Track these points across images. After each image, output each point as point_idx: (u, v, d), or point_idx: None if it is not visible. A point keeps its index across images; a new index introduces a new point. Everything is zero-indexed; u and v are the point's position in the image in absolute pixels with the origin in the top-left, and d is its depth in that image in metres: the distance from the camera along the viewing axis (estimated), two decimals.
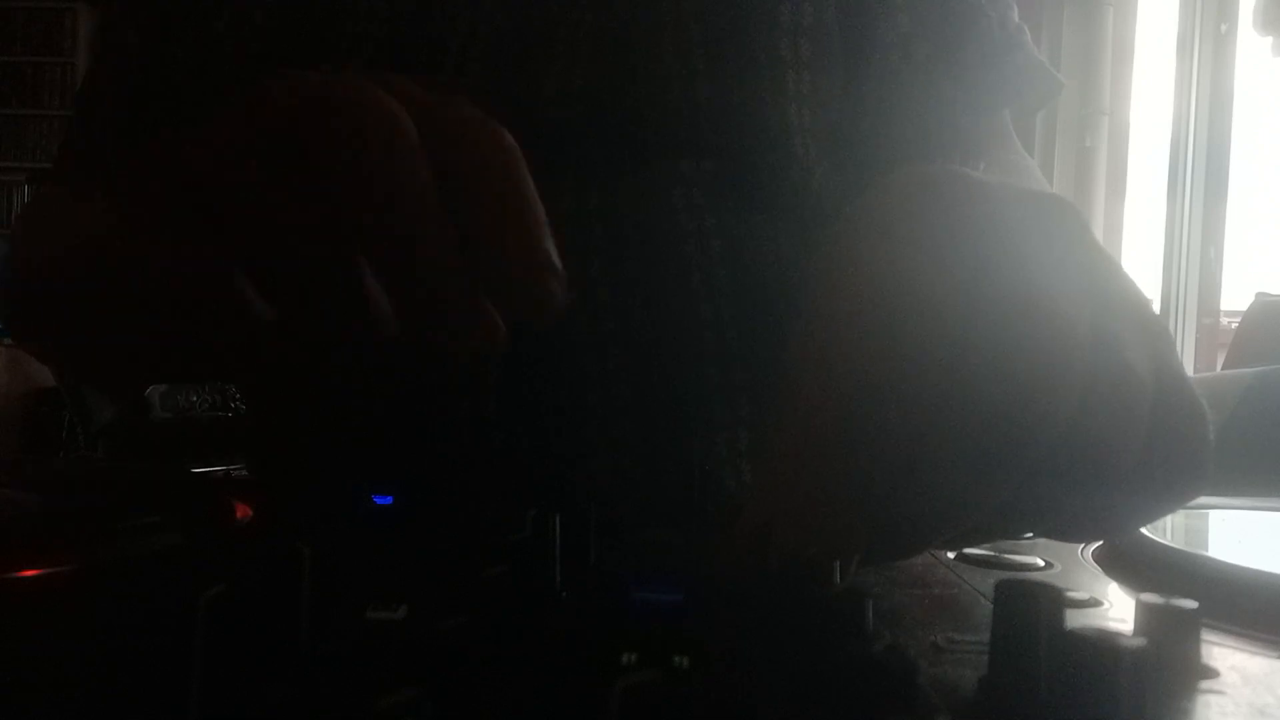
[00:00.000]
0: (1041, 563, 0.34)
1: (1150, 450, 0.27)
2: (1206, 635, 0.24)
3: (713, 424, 0.56)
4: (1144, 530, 0.35)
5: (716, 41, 0.57)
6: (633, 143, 0.56)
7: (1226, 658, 0.24)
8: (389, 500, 0.36)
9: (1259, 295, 2.66)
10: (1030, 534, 0.33)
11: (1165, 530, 0.36)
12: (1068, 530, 0.30)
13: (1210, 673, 0.23)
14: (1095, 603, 0.29)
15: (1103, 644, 0.18)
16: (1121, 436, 0.26)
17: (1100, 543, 0.38)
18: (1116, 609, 0.29)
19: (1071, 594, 0.29)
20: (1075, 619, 0.20)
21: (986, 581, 0.31)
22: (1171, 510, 0.31)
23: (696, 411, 0.56)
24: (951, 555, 0.35)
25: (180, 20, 0.60)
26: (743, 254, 0.57)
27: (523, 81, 0.56)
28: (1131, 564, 0.34)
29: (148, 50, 0.60)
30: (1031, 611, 0.20)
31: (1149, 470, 0.28)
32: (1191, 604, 0.23)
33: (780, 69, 0.59)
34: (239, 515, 0.38)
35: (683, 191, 0.57)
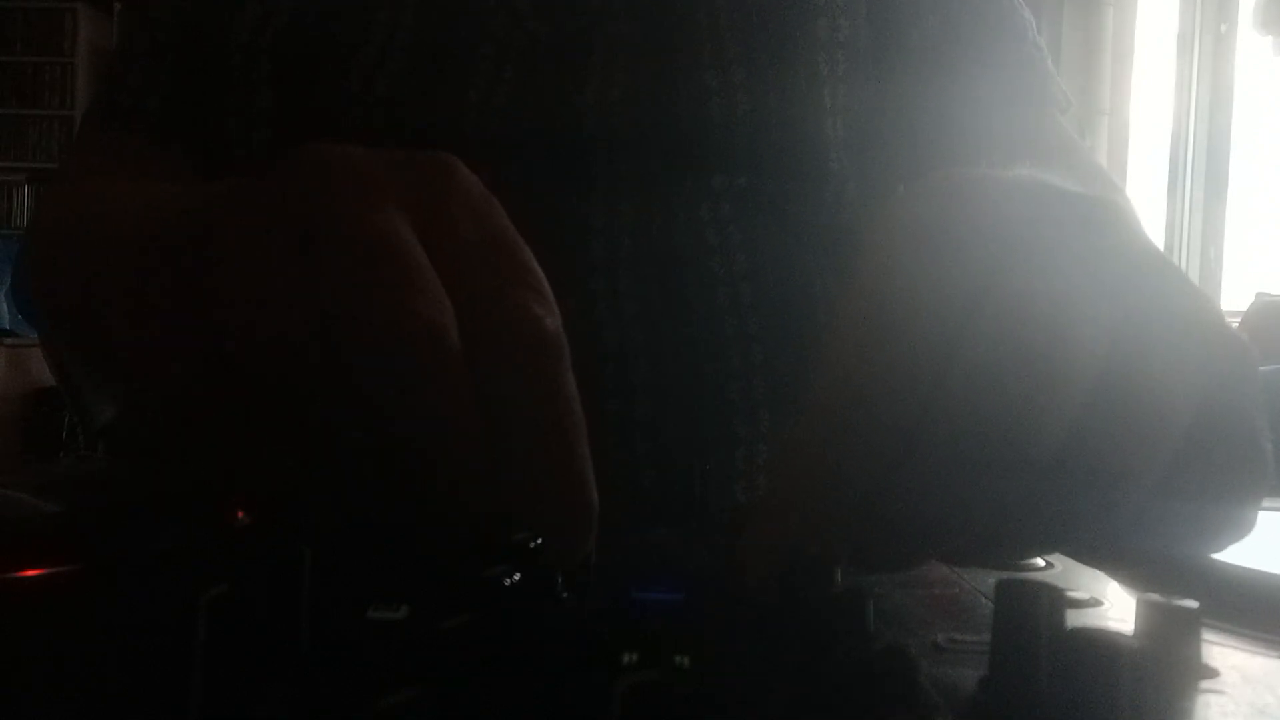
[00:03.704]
0: (1042, 562, 0.34)
1: (1179, 475, 0.26)
2: (1206, 635, 0.24)
3: (732, 439, 0.56)
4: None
5: (755, 57, 0.57)
6: (668, 156, 0.56)
7: (1226, 658, 0.24)
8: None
9: (1259, 295, 2.66)
10: (1050, 550, 0.32)
11: None
12: (1092, 552, 0.29)
13: (1210, 672, 0.23)
14: (1095, 602, 0.29)
15: (1103, 644, 0.18)
16: (1133, 453, 0.25)
17: None
18: (1116, 609, 0.29)
19: (1072, 594, 0.29)
20: (1076, 619, 0.20)
21: (987, 581, 0.31)
22: (1212, 545, 0.30)
23: (715, 426, 0.56)
24: None
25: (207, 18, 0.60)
26: (768, 269, 0.57)
27: (559, 91, 0.55)
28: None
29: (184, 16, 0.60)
30: (1032, 611, 0.20)
31: (1178, 495, 0.26)
32: (1191, 604, 0.23)
33: (818, 84, 0.59)
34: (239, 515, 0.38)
35: (710, 206, 0.57)
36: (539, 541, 0.25)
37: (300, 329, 0.27)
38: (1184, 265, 3.25)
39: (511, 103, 0.55)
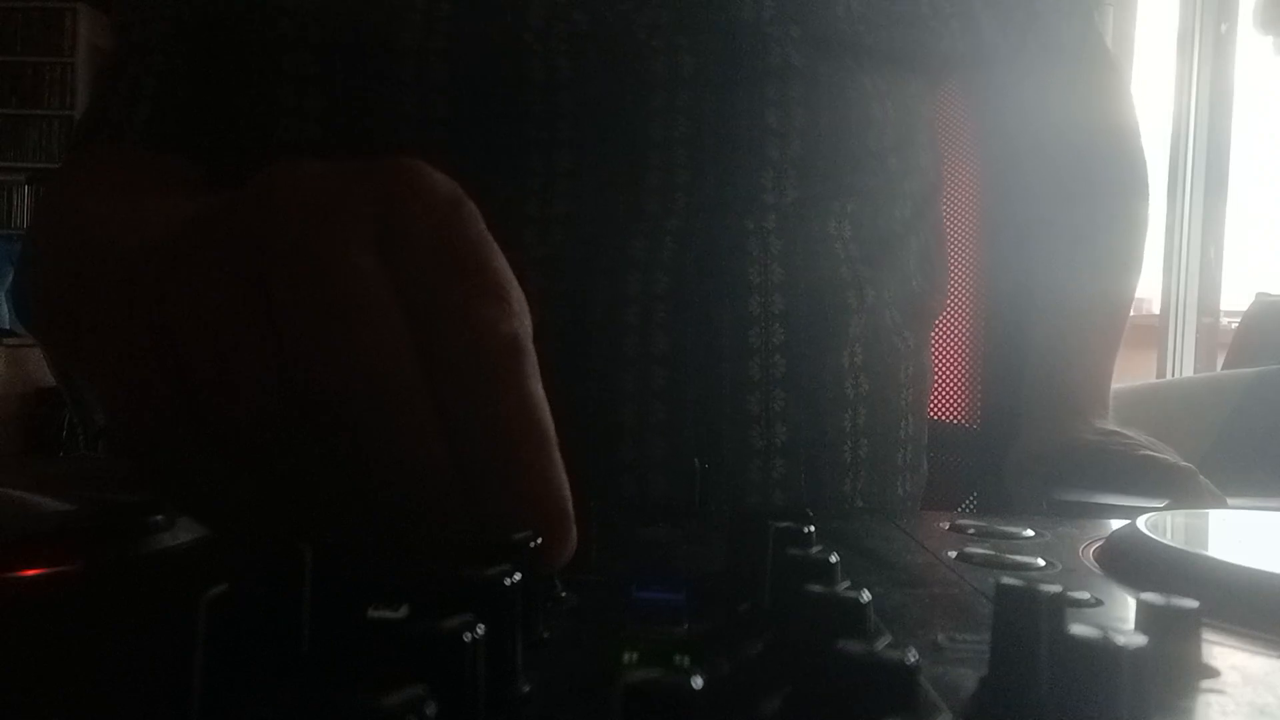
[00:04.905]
0: (1042, 562, 0.34)
1: None
2: (1206, 635, 0.24)
3: (747, 450, 0.56)
4: (1144, 530, 0.35)
5: (816, 70, 0.57)
6: (723, 161, 0.56)
7: (1226, 657, 0.24)
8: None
9: (1259, 295, 2.66)
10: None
11: (1165, 530, 0.36)
12: None
13: (1210, 672, 0.23)
14: (1095, 603, 0.29)
15: (1103, 644, 0.18)
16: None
17: (1100, 542, 0.38)
18: (1116, 609, 0.29)
19: (1072, 594, 0.29)
20: (1075, 619, 0.20)
21: (987, 581, 0.31)
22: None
23: (732, 436, 0.56)
24: (953, 555, 0.35)
25: None
26: (802, 281, 0.58)
27: (619, 79, 0.55)
28: (1131, 564, 0.34)
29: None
30: (1032, 612, 0.20)
31: None
32: (1191, 604, 0.23)
33: (870, 98, 0.60)
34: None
35: (757, 216, 0.57)
36: (539, 541, 0.25)
37: (256, 367, 0.27)
38: (1184, 265, 3.26)
39: (577, 82, 0.54)
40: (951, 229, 0.80)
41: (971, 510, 0.78)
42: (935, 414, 0.79)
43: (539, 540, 0.26)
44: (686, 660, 0.20)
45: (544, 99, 0.54)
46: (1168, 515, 0.41)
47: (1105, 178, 0.74)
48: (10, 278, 4.01)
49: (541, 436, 0.28)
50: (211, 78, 0.60)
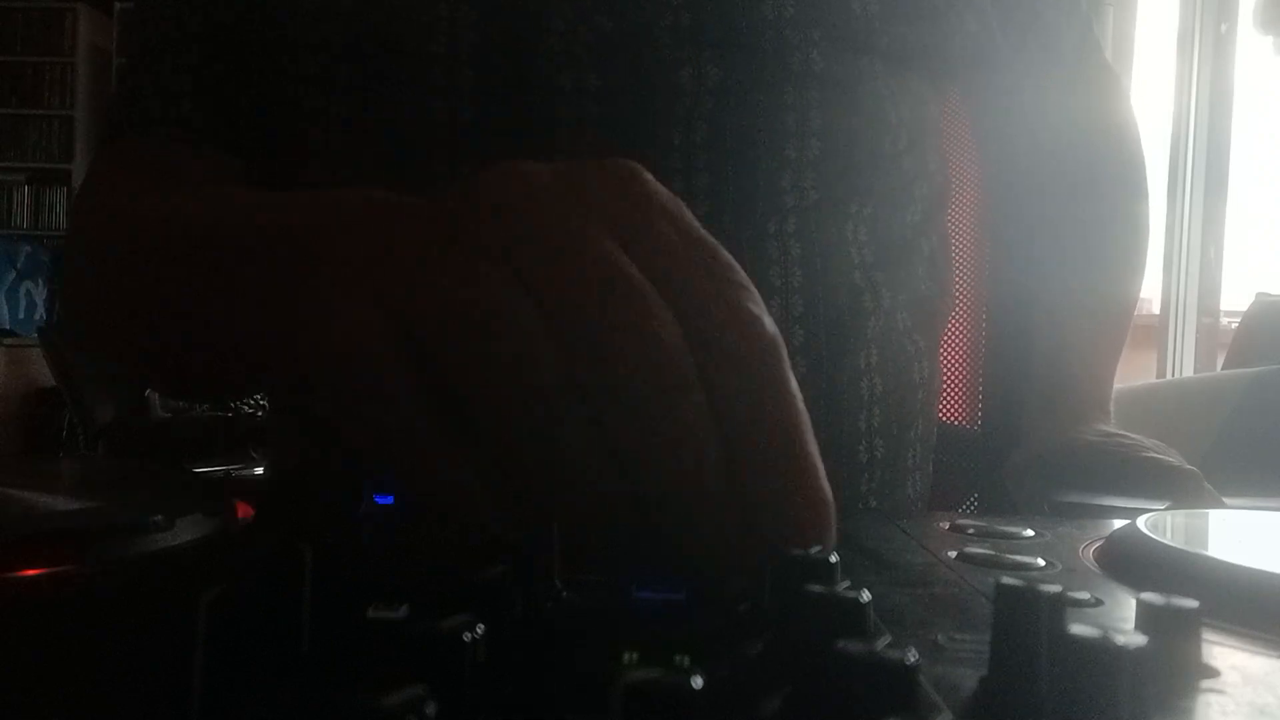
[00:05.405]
0: (1042, 562, 0.34)
1: None
2: (1206, 635, 0.24)
3: None
4: (1144, 530, 0.35)
5: (832, 73, 0.58)
6: (742, 162, 0.56)
7: (1227, 657, 0.24)
8: (389, 500, 0.36)
9: (1259, 295, 2.66)
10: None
11: (1165, 530, 0.36)
12: None
13: (1211, 672, 0.23)
14: (1095, 603, 0.29)
15: (1103, 644, 0.18)
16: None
17: (1100, 542, 0.38)
18: (1117, 609, 0.29)
19: (1072, 594, 0.29)
20: (1076, 619, 0.20)
21: (987, 581, 0.31)
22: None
23: None
24: (953, 555, 0.35)
25: None
26: (821, 282, 0.58)
27: (645, 82, 0.55)
28: (1131, 564, 0.34)
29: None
30: (1032, 612, 0.20)
31: None
32: (1191, 604, 0.23)
33: (885, 100, 0.60)
34: (239, 515, 0.38)
35: (778, 220, 0.57)
36: (805, 531, 0.26)
37: (531, 353, 0.27)
38: (1184, 265, 3.26)
39: (598, 88, 0.54)
40: (952, 231, 0.81)
41: (973, 511, 0.78)
42: (937, 415, 0.79)
43: (792, 534, 0.26)
44: (686, 660, 0.20)
45: (565, 103, 0.54)
46: (1168, 515, 0.41)
47: (1104, 177, 0.75)
48: (10, 278, 4.01)
49: (808, 426, 0.28)
50: (222, 80, 0.60)
